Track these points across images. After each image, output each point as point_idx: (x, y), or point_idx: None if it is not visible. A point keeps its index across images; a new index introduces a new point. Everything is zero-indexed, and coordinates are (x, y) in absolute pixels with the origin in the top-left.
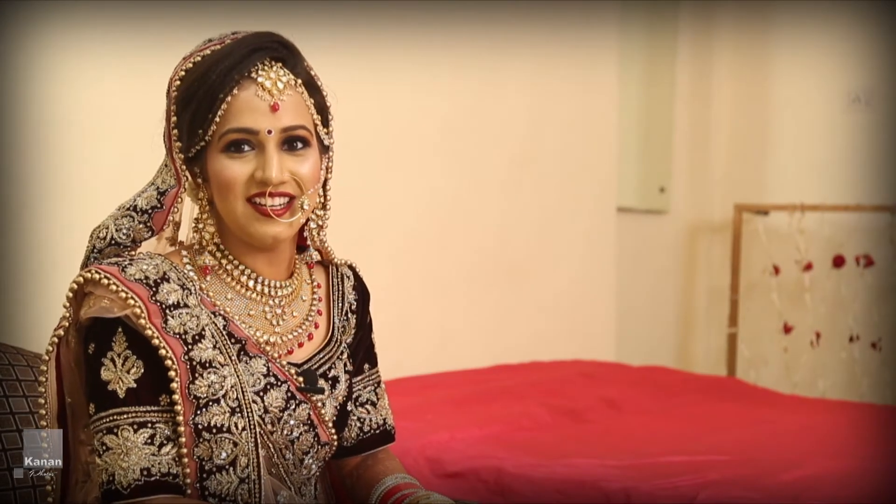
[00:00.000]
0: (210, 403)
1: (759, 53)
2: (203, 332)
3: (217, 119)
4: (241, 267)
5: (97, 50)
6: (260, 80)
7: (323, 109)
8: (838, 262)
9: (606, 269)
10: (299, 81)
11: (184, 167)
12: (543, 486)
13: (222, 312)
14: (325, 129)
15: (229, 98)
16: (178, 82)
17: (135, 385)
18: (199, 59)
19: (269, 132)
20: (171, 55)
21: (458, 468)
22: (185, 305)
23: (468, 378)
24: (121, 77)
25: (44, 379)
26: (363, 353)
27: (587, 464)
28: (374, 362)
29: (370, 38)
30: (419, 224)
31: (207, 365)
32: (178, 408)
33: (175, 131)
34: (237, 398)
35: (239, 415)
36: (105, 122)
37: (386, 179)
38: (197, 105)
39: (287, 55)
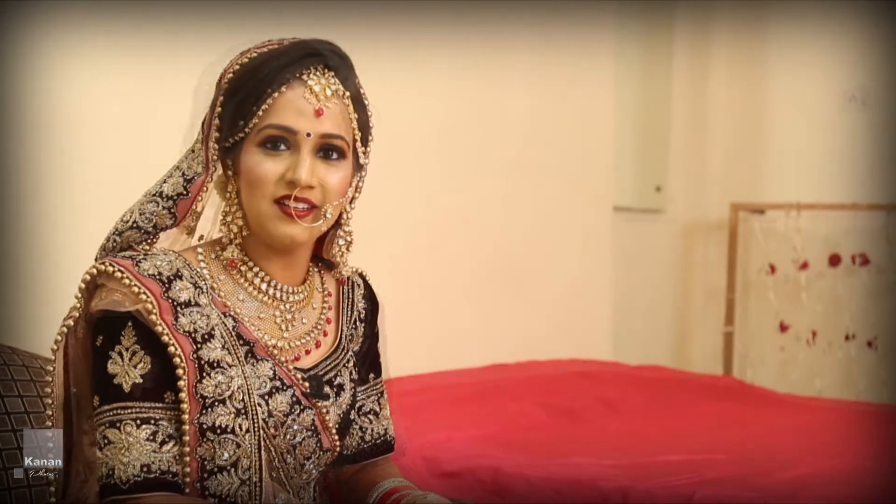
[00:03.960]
0: (216, 404)
1: (755, 53)
2: (213, 332)
3: (260, 112)
4: (256, 269)
5: (98, 50)
6: (310, 83)
7: (365, 127)
8: (834, 260)
9: (603, 268)
10: (347, 94)
11: (216, 157)
12: (540, 485)
13: (233, 313)
14: (364, 148)
15: (276, 94)
16: (231, 74)
17: (140, 380)
18: (255, 54)
19: (308, 135)
20: (171, 56)
21: (454, 468)
22: (197, 304)
23: (465, 377)
24: (122, 78)
25: (51, 368)
26: (370, 362)
27: (584, 463)
28: (379, 372)
29: (366, 40)
30: (417, 224)
31: (215, 365)
32: (185, 406)
33: (217, 121)
34: (243, 400)
35: (244, 416)
36: (107, 122)
37: (383, 180)
38: (244, 95)
39: (340, 65)
